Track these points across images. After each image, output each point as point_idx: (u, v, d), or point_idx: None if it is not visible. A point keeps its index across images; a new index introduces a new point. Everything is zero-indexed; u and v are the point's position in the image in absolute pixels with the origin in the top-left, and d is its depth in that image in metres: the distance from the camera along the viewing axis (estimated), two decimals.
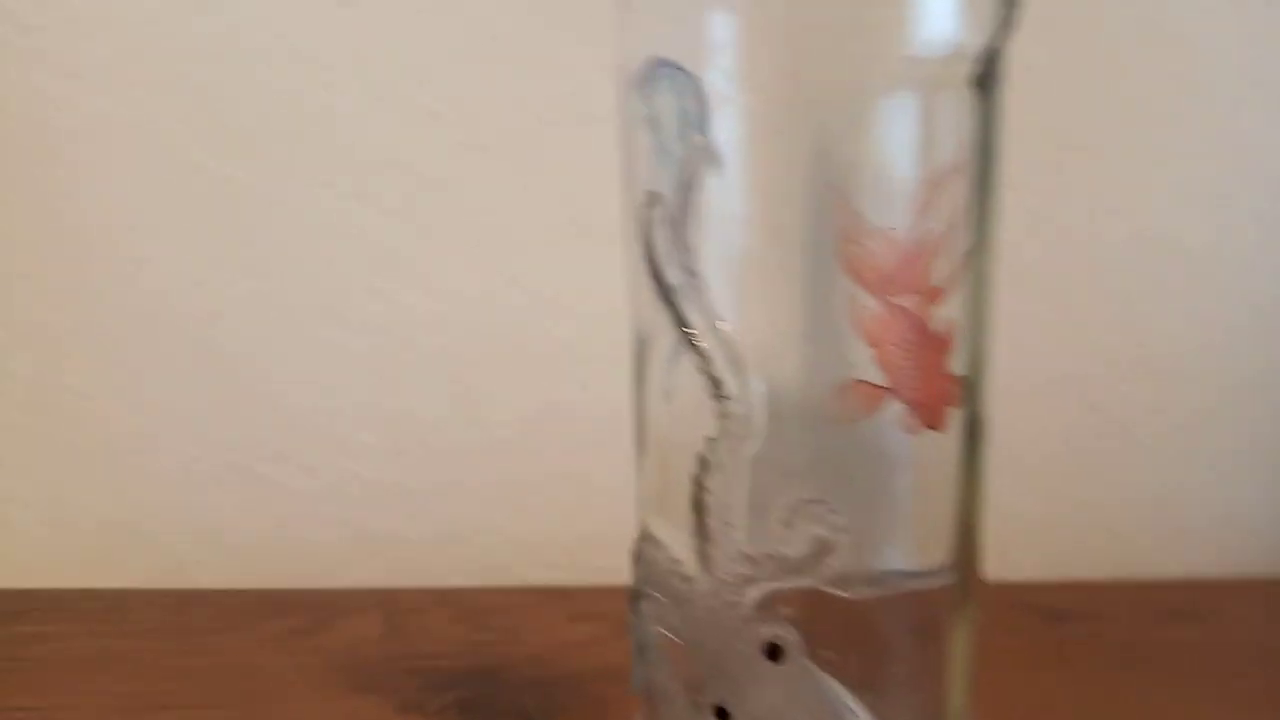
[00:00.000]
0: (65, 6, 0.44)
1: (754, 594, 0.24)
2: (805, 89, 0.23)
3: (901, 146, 0.23)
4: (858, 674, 0.25)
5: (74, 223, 0.45)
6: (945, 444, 0.24)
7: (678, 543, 0.25)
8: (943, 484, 0.24)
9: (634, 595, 0.27)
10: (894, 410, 0.23)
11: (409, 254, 0.45)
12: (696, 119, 0.24)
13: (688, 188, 0.23)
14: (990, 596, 0.27)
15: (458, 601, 0.42)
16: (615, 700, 0.35)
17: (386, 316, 0.45)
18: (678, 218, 0.24)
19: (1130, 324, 0.45)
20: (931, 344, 0.23)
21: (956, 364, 0.24)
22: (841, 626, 0.25)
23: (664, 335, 0.25)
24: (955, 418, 0.24)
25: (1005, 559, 0.32)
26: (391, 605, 0.42)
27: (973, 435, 0.25)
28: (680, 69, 0.24)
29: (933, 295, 0.23)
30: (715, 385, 0.23)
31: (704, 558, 0.24)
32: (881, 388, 0.23)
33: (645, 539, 0.26)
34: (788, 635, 0.24)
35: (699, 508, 0.24)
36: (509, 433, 0.46)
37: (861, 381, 0.23)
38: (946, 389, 0.24)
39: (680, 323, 0.24)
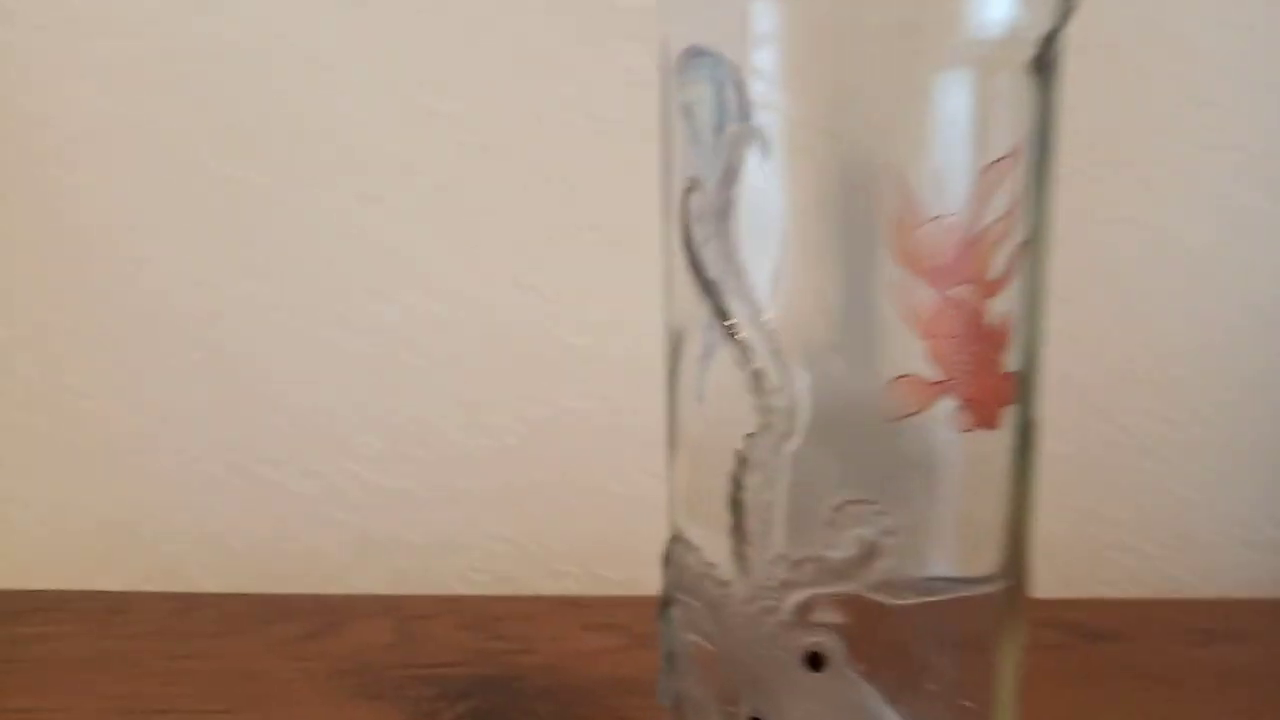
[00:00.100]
0: (66, 6, 0.44)
1: (794, 599, 0.23)
2: (857, 73, 0.22)
3: (958, 132, 0.22)
4: (898, 687, 0.24)
5: (74, 222, 0.45)
6: (997, 444, 0.23)
7: (712, 545, 0.24)
8: (993, 487, 0.23)
9: (663, 601, 0.26)
10: (945, 407, 0.22)
11: (414, 255, 0.44)
12: (735, 107, 0.23)
13: (729, 175, 0.22)
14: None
15: (468, 609, 0.41)
16: (635, 713, 0.34)
17: (391, 319, 0.45)
18: (718, 206, 0.22)
19: (1139, 330, 0.44)
20: (987, 338, 0.22)
21: (1011, 360, 0.23)
22: (882, 636, 0.23)
23: (700, 329, 0.24)
24: (1008, 416, 0.23)
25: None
26: (400, 611, 0.41)
27: (1025, 436, 0.24)
28: (718, 57, 0.23)
29: (989, 287, 0.22)
30: (756, 379, 0.22)
31: (741, 560, 0.23)
32: (934, 383, 0.22)
33: (676, 541, 0.25)
34: (830, 643, 0.22)
35: (736, 507, 0.23)
36: (515, 439, 0.45)
37: (913, 376, 0.22)
38: (1001, 386, 0.22)
39: (720, 314, 0.23)
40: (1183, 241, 0.43)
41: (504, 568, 0.46)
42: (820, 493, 0.22)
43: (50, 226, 0.45)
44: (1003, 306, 0.22)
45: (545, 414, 0.45)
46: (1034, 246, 0.23)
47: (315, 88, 0.43)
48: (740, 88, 0.22)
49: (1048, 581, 0.41)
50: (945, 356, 0.22)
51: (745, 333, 0.22)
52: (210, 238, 0.44)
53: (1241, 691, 0.36)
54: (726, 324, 0.22)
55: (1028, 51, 0.22)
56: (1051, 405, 0.45)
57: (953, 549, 0.23)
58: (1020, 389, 0.23)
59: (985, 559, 0.24)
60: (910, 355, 0.22)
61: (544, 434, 0.45)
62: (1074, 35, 0.44)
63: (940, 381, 0.22)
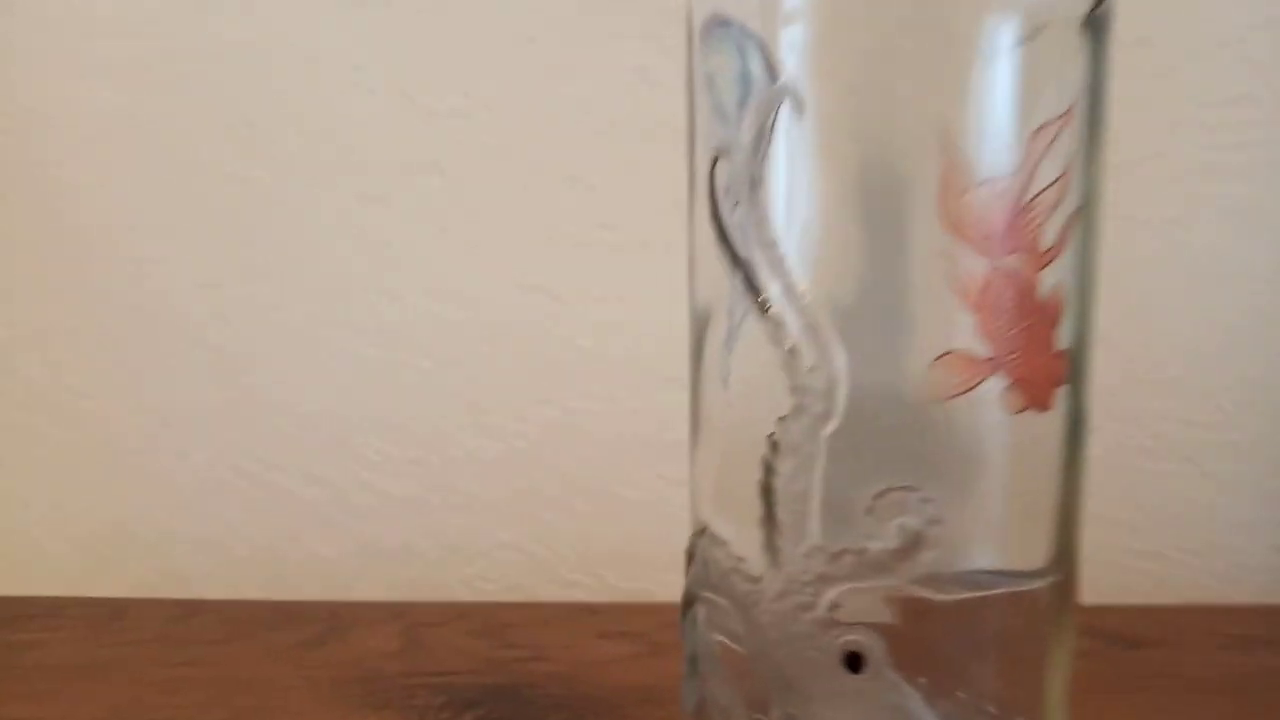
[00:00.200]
0: (68, 4, 0.43)
1: (831, 594, 0.21)
2: (898, 30, 0.20)
3: (1007, 91, 0.20)
4: (936, 691, 0.22)
5: (76, 222, 0.45)
6: (1048, 427, 0.21)
7: (741, 538, 0.22)
8: (1043, 474, 0.22)
9: (686, 600, 0.24)
10: (994, 387, 0.21)
11: (420, 256, 0.44)
12: (761, 77, 0.21)
13: (760, 140, 0.21)
14: None
15: (477, 616, 0.40)
16: None
17: (396, 321, 0.44)
18: (749, 174, 0.21)
19: (1166, 333, 0.43)
20: (1039, 313, 0.20)
21: (1063, 337, 0.21)
22: (922, 635, 0.22)
23: (728, 308, 0.22)
24: (1060, 398, 0.21)
25: None
26: (407, 618, 0.39)
27: (1076, 419, 0.22)
28: (742, 26, 0.21)
29: (1041, 258, 0.20)
30: (790, 357, 0.21)
31: (773, 553, 0.21)
32: (983, 360, 0.20)
33: (701, 535, 0.24)
34: (870, 642, 0.21)
35: (768, 496, 0.21)
36: (523, 443, 0.45)
37: (960, 353, 0.20)
38: (1053, 364, 0.21)
39: (751, 289, 0.21)
40: (1207, 242, 0.42)
41: (512, 575, 0.46)
42: (859, 479, 0.21)
43: (52, 226, 0.44)
44: (1055, 279, 0.21)
45: (553, 417, 0.45)
46: (1086, 216, 0.21)
47: (318, 87, 0.43)
48: (767, 56, 0.21)
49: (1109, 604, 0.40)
50: (995, 332, 0.20)
51: (777, 308, 0.21)
52: (213, 238, 0.44)
53: None
54: (758, 299, 0.21)
55: (1080, 8, 0.21)
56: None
57: (999, 541, 0.22)
58: (1072, 369, 0.22)
59: (1034, 552, 0.22)
60: (956, 330, 0.20)
61: (552, 437, 0.45)
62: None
63: (989, 359, 0.20)
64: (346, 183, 0.43)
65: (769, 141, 0.20)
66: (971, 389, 0.20)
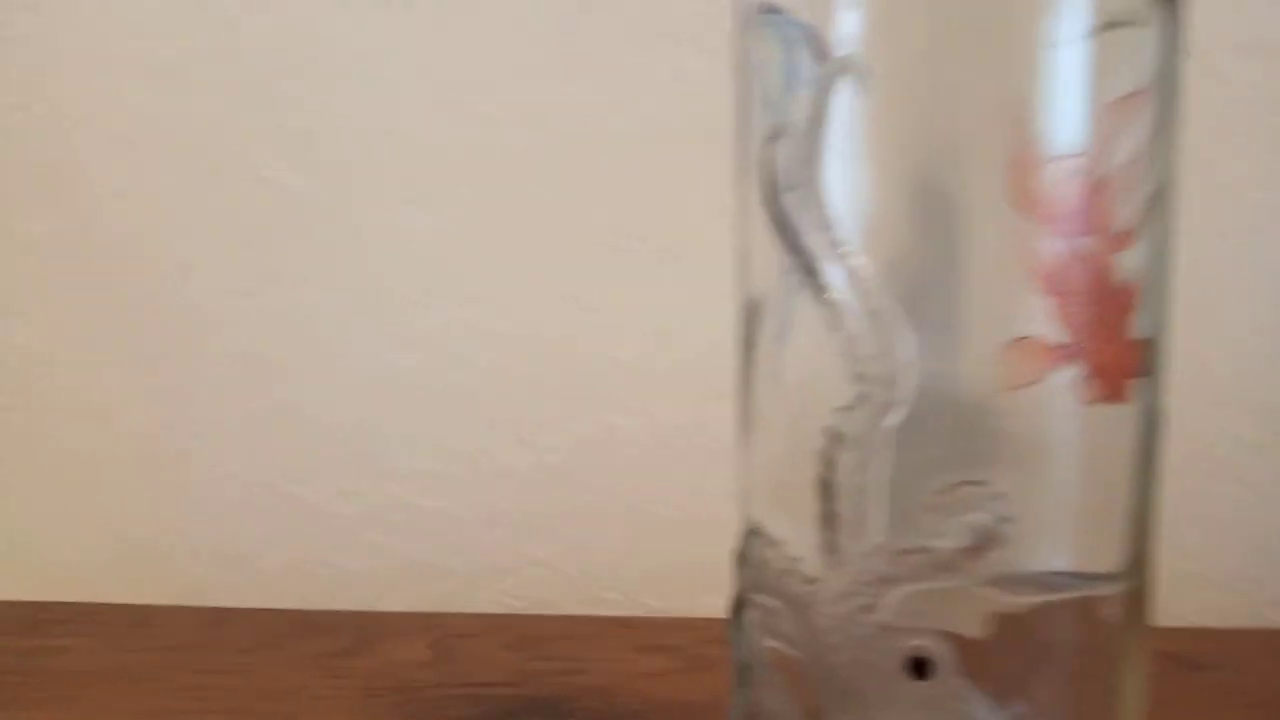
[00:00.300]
0: (109, 5, 0.43)
1: (895, 597, 0.20)
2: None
3: (1081, 64, 0.19)
4: (1000, 700, 0.21)
5: (110, 227, 0.44)
6: (1122, 422, 0.20)
7: (798, 538, 0.21)
8: (1117, 470, 0.21)
9: (736, 604, 0.23)
10: (1066, 377, 0.19)
11: (456, 266, 0.43)
12: (807, 65, 0.20)
13: (819, 115, 0.20)
14: None
15: (510, 628, 0.39)
16: None
17: (435, 331, 0.44)
18: (806, 152, 0.20)
19: (1227, 352, 0.42)
20: (1114, 298, 0.19)
21: (1139, 325, 0.20)
22: (989, 641, 0.21)
23: (781, 297, 0.21)
24: (1136, 391, 0.20)
25: None
26: (438, 629, 0.39)
27: (1152, 415, 0.21)
28: (788, 15, 0.21)
29: (1117, 240, 0.19)
30: (851, 344, 0.20)
31: (832, 553, 0.20)
32: (1056, 347, 0.19)
33: (753, 535, 0.23)
34: (937, 647, 0.20)
35: (827, 491, 0.20)
36: (557, 457, 0.44)
37: (1033, 339, 0.19)
38: (1129, 353, 0.20)
39: (808, 273, 0.20)
40: (1259, 255, 0.41)
41: (544, 593, 0.45)
42: (922, 473, 0.20)
43: (84, 231, 0.44)
44: (1131, 263, 0.20)
45: (589, 431, 0.44)
46: (1162, 199, 0.20)
47: (356, 92, 0.43)
48: (815, 45, 0.20)
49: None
50: (1069, 317, 0.19)
51: (837, 294, 0.20)
52: (247, 244, 0.44)
53: None
54: (816, 283, 0.20)
55: None
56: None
57: (1072, 541, 0.21)
58: (1148, 360, 0.20)
59: (1108, 554, 0.21)
60: (1027, 315, 0.19)
61: (587, 452, 0.44)
62: None
63: (1063, 346, 0.19)
64: (384, 190, 0.43)
65: (828, 114, 0.19)
66: (1045, 376, 0.19)
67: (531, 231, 0.43)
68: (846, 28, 0.20)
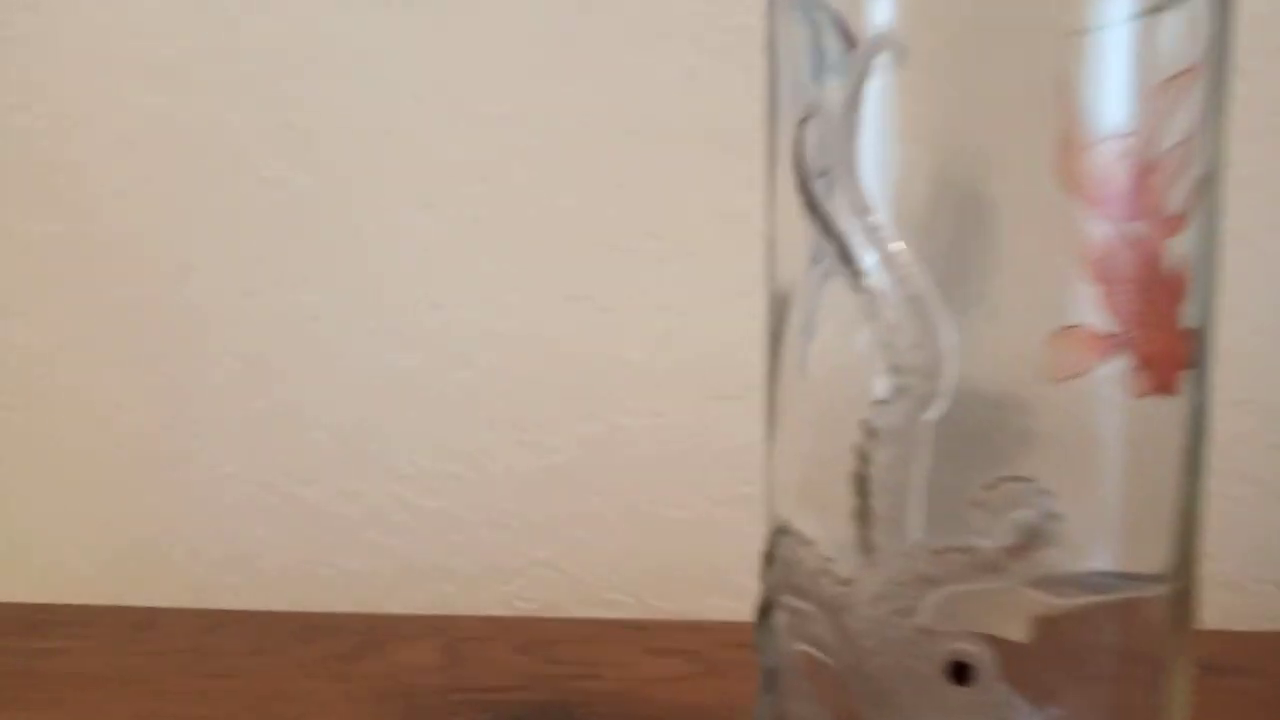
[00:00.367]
0: (111, 4, 0.43)
1: (934, 598, 0.19)
2: None
3: (1129, 42, 0.18)
4: (1046, 703, 0.20)
5: (112, 227, 0.44)
6: (1170, 415, 0.19)
7: (831, 537, 0.20)
8: (1164, 468, 0.20)
9: (763, 607, 0.22)
10: (1114, 368, 0.19)
11: (462, 264, 0.43)
12: (835, 51, 0.20)
13: (856, 91, 0.19)
14: None
15: (520, 631, 0.38)
16: None
17: (439, 331, 0.43)
18: (842, 130, 0.19)
19: (1252, 354, 0.41)
20: (1165, 286, 0.19)
21: (1188, 315, 0.19)
22: (1031, 645, 0.20)
23: (814, 285, 0.20)
24: (1185, 382, 0.19)
25: None
26: (447, 632, 0.38)
27: (1200, 408, 0.20)
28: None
29: (1168, 225, 0.18)
30: (888, 333, 0.19)
31: (868, 552, 0.19)
32: (1106, 336, 0.18)
33: (782, 534, 0.22)
34: (978, 651, 0.19)
35: (863, 488, 0.19)
36: (564, 458, 0.43)
37: (1081, 328, 0.18)
38: (1180, 344, 0.19)
39: (844, 258, 0.19)
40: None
41: (551, 596, 0.44)
42: (962, 469, 0.19)
43: (86, 231, 0.44)
44: (1181, 249, 0.19)
45: (596, 431, 0.43)
46: (1211, 183, 0.19)
47: (361, 91, 0.42)
48: (843, 28, 0.19)
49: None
50: (1119, 305, 0.18)
51: (874, 281, 0.19)
52: (250, 244, 0.43)
53: None
54: (851, 270, 0.19)
55: None
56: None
57: (1117, 541, 0.20)
58: (1197, 351, 0.20)
59: (1154, 554, 0.20)
60: (1074, 303, 0.18)
61: (595, 453, 0.43)
62: None
63: (1111, 336, 0.18)
64: (388, 189, 0.43)
65: (865, 90, 0.19)
66: (1095, 368, 0.18)
67: (534, 230, 0.42)
68: (882, 5, 0.19)
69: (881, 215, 0.19)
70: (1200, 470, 0.21)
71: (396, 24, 0.42)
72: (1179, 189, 0.19)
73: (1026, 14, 0.18)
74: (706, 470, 0.43)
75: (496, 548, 0.44)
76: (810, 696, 0.21)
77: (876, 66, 0.19)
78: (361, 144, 0.43)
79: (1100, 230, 0.18)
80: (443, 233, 0.43)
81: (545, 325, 0.43)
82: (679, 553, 0.43)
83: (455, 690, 0.33)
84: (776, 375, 0.22)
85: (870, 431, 0.19)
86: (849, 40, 0.20)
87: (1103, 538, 0.20)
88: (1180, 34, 0.19)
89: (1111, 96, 0.18)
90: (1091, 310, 0.18)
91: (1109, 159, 0.18)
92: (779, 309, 0.22)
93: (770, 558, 0.22)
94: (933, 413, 0.19)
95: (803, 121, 0.20)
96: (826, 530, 0.20)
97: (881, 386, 0.19)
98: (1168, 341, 0.19)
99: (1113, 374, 0.19)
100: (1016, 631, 0.19)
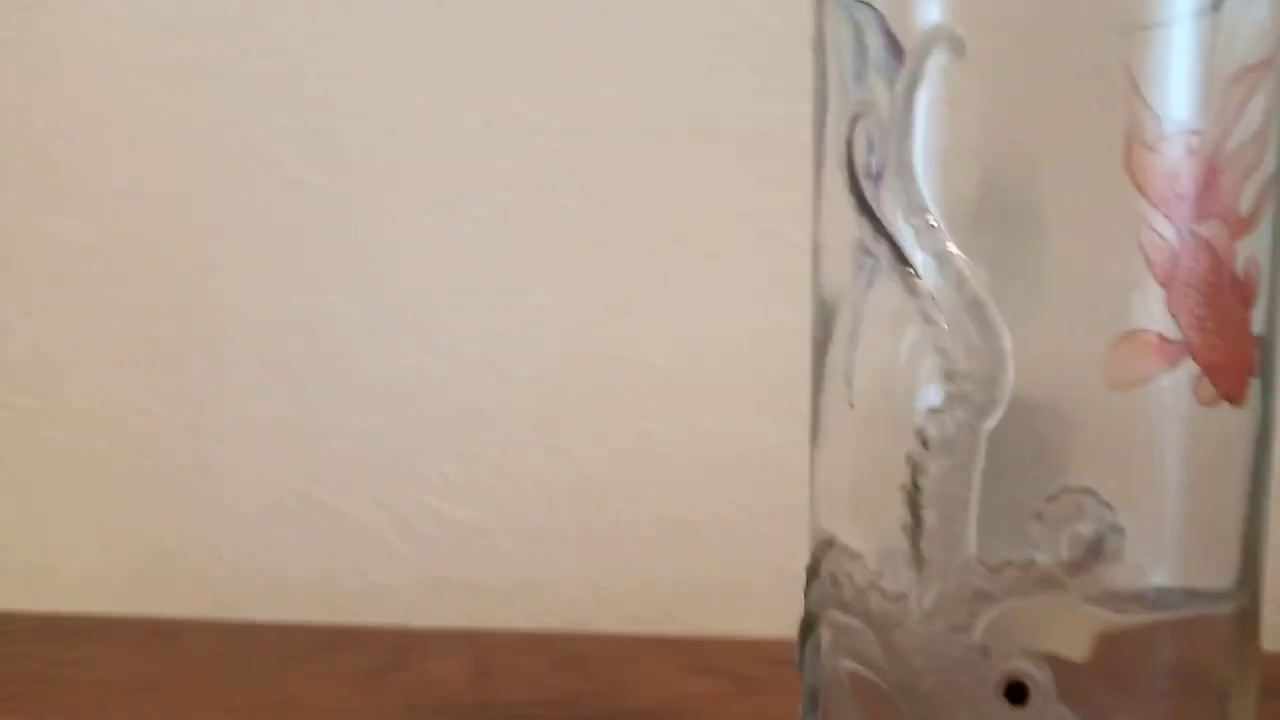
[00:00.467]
0: (134, 4, 0.43)
1: (990, 615, 0.18)
2: None
3: (1197, 36, 0.18)
4: None
5: (130, 229, 0.43)
6: (1238, 425, 0.19)
7: (881, 551, 0.19)
8: (1231, 478, 0.19)
9: (806, 623, 0.22)
10: (1180, 376, 0.18)
11: (491, 269, 0.42)
12: (880, 50, 0.19)
13: (911, 88, 0.18)
14: None
15: (554, 646, 0.38)
16: None
17: (469, 338, 0.43)
18: (897, 128, 0.19)
19: None
20: (1233, 290, 0.18)
21: (1256, 321, 0.19)
22: (1090, 661, 0.19)
23: (857, 294, 0.20)
24: (1251, 390, 0.19)
25: None
26: (479, 646, 0.37)
27: (1268, 418, 0.19)
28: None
29: (1239, 225, 0.18)
30: (944, 339, 0.18)
31: (920, 567, 0.19)
32: (1174, 342, 0.17)
33: (827, 547, 0.21)
34: (1036, 670, 0.18)
35: (915, 500, 0.19)
36: (598, 470, 0.43)
37: (1148, 333, 0.17)
38: (1247, 351, 0.18)
39: (899, 260, 0.19)
40: None
41: (580, 610, 0.43)
42: (1021, 481, 0.18)
43: (105, 233, 0.43)
44: (1249, 252, 0.18)
45: (628, 441, 0.42)
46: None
47: (384, 92, 0.42)
48: (885, 31, 0.19)
49: None
50: (1184, 310, 0.17)
51: (929, 284, 0.18)
52: (273, 247, 0.43)
53: None
54: (905, 272, 0.18)
55: None
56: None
57: (1181, 555, 0.19)
58: (1265, 358, 0.19)
59: (1218, 570, 0.19)
60: (1139, 307, 0.18)
61: (626, 463, 0.43)
62: None
63: (1180, 341, 0.18)
64: (413, 191, 0.42)
65: (921, 86, 0.18)
66: (1161, 375, 0.17)
67: (565, 235, 0.42)
68: (934, 2, 0.18)
69: (937, 217, 0.18)
70: (1266, 482, 0.20)
71: (420, 24, 0.42)
72: (1249, 189, 0.18)
73: (1088, 10, 0.18)
74: (736, 480, 0.42)
75: (527, 561, 0.43)
76: (856, 716, 0.20)
77: (931, 64, 0.18)
78: (385, 145, 0.42)
79: (1165, 231, 0.17)
80: (470, 236, 0.42)
81: (577, 331, 0.42)
82: (713, 567, 0.42)
83: (489, 706, 0.33)
84: (821, 382, 0.22)
85: (924, 441, 0.18)
86: (891, 39, 0.19)
87: (1165, 552, 0.19)
88: (1251, 28, 0.18)
89: (1179, 93, 0.17)
90: (1155, 315, 0.17)
91: (1176, 157, 0.17)
92: (824, 314, 0.21)
93: (814, 572, 0.22)
94: (989, 421, 0.18)
95: (854, 121, 0.19)
96: (875, 543, 0.20)
97: (935, 394, 0.18)
98: (1235, 348, 0.18)
99: (1177, 382, 0.18)
100: (1075, 650, 0.18)
